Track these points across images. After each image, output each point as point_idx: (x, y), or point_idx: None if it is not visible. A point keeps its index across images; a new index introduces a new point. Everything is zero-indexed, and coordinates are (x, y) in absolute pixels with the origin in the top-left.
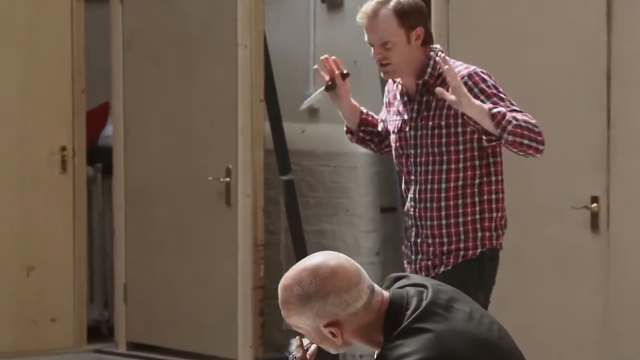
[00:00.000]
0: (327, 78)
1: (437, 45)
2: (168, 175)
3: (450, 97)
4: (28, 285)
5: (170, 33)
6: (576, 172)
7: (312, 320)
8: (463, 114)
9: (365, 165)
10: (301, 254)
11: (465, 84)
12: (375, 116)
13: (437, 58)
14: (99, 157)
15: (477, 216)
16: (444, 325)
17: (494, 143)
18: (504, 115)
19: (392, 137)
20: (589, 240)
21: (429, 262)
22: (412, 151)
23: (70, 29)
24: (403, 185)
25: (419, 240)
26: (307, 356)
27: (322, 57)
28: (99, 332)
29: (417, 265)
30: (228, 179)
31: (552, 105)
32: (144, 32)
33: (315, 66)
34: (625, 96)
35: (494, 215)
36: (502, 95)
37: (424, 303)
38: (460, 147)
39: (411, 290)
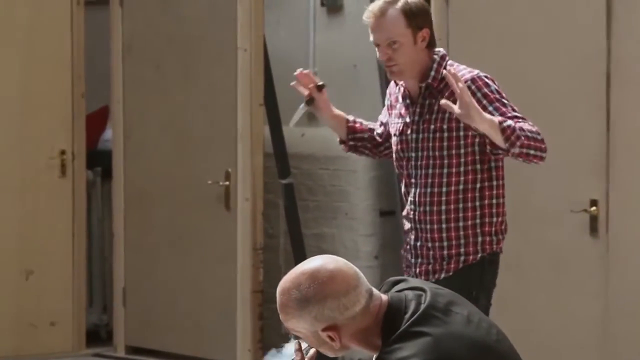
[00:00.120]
0: (306, 93)
1: (440, 49)
2: (167, 178)
3: (457, 110)
4: (27, 289)
5: (169, 37)
6: (575, 175)
7: (310, 324)
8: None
9: (365, 169)
10: (300, 257)
11: (469, 87)
12: (363, 122)
13: (445, 71)
14: (99, 160)
15: (478, 220)
16: (443, 329)
17: (500, 155)
18: (514, 129)
19: (393, 139)
20: (588, 243)
21: (429, 267)
22: (413, 154)
23: (70, 33)
24: (403, 189)
25: (418, 244)
26: None
27: (295, 73)
28: (98, 336)
29: (417, 269)
30: (227, 183)
31: (552, 107)
32: (144, 36)
33: (293, 83)
34: (625, 98)
35: (495, 220)
36: (505, 101)
37: (422, 307)
38: (462, 150)
39: (409, 294)
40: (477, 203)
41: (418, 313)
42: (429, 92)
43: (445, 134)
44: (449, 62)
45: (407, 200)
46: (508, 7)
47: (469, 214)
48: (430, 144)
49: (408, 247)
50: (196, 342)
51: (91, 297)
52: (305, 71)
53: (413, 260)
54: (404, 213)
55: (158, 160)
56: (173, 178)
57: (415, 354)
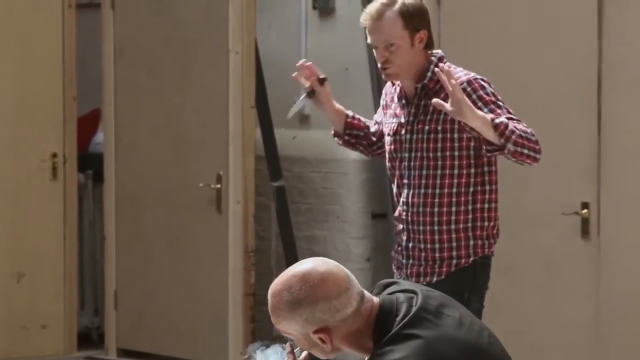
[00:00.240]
0: (307, 85)
1: (438, 50)
2: (159, 181)
3: (449, 107)
4: (18, 292)
5: (161, 40)
6: (567, 178)
7: (302, 326)
8: (460, 123)
9: (356, 171)
10: (292, 260)
11: (464, 90)
12: (362, 119)
13: (437, 69)
14: (90, 163)
15: (470, 224)
16: (434, 331)
17: (496, 153)
18: (507, 125)
19: (387, 139)
20: (579, 246)
21: (420, 268)
22: (407, 155)
23: (61, 35)
24: (394, 189)
25: (410, 245)
26: None
27: (298, 64)
28: (89, 338)
29: (408, 271)
30: (219, 186)
31: (543, 109)
32: (135, 39)
33: (294, 74)
34: (616, 100)
35: (486, 224)
36: (500, 103)
37: (414, 309)
38: (456, 153)
39: (401, 297)
40: (470, 207)
41: (409, 315)
42: (424, 93)
43: (440, 135)
44: (447, 64)
45: (398, 201)
46: (500, 8)
47: (461, 217)
48: (424, 145)
49: (399, 248)
50: (188, 344)
51: (83, 300)
52: (308, 63)
53: (404, 261)
54: (396, 214)
55: (149, 163)
56: (164, 181)
57: (406, 356)
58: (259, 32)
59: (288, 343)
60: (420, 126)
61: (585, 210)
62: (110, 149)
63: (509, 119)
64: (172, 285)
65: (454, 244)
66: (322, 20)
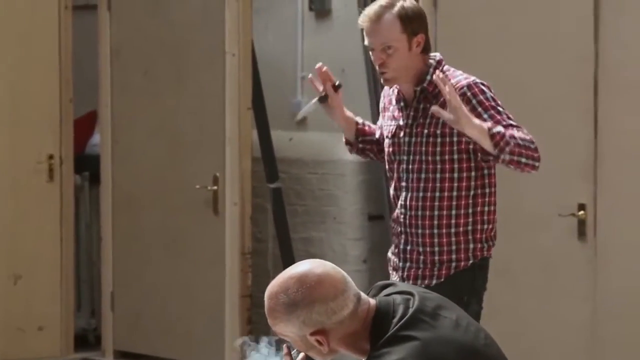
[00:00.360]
0: (321, 89)
1: (436, 54)
2: (155, 183)
3: (448, 115)
4: (15, 293)
5: (157, 41)
6: (563, 179)
7: (299, 328)
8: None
9: (353, 173)
10: (289, 261)
11: (464, 94)
12: (372, 125)
13: (435, 76)
14: (87, 165)
15: (470, 227)
16: (431, 333)
17: (491, 162)
18: (503, 135)
19: (386, 141)
20: (576, 247)
21: (419, 271)
22: (405, 157)
23: (58, 37)
24: (392, 192)
25: (408, 248)
26: None
27: (316, 67)
28: (86, 340)
29: (406, 274)
30: (215, 187)
31: (539, 112)
32: (132, 41)
33: (310, 75)
34: (613, 103)
35: (486, 227)
36: (500, 109)
37: (411, 311)
38: (455, 156)
39: (397, 298)
40: (470, 210)
41: (406, 317)
42: (424, 96)
43: (439, 139)
44: (445, 67)
45: (396, 203)
46: (496, 12)
47: (461, 220)
48: (424, 149)
49: (396, 250)
50: (184, 346)
51: (79, 302)
52: (324, 68)
53: (401, 264)
54: (393, 216)
55: (146, 164)
56: (161, 182)
57: (403, 357)
58: (255, 34)
59: (285, 345)
60: (419, 129)
61: (582, 212)
62: (107, 151)
63: (508, 125)
64: (168, 287)
65: (454, 247)
66: (319, 22)
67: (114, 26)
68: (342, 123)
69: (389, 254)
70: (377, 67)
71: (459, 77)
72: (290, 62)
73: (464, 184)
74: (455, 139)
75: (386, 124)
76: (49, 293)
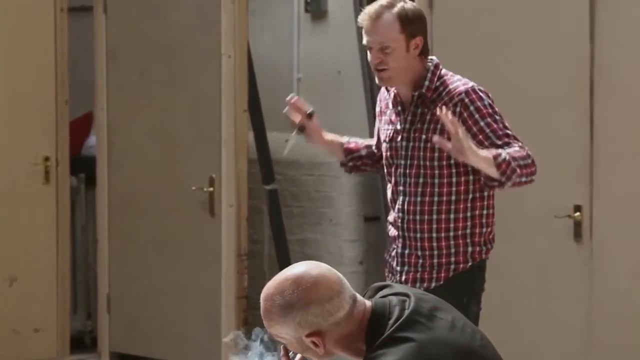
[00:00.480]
0: (297, 121)
1: (433, 57)
2: (151, 185)
3: (449, 146)
4: (11, 295)
5: (153, 43)
6: (559, 181)
7: (294, 330)
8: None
9: (349, 175)
10: (285, 263)
11: (462, 100)
12: (359, 141)
13: (438, 112)
14: (82, 167)
15: (468, 231)
16: (427, 334)
17: (495, 188)
18: (508, 163)
19: (383, 145)
20: (572, 249)
21: (417, 274)
22: (402, 162)
23: (53, 39)
24: (389, 195)
25: (406, 252)
26: None
27: (287, 99)
28: (82, 342)
29: (403, 277)
30: (212, 189)
31: (535, 114)
32: (128, 42)
33: (285, 110)
34: (608, 104)
35: (484, 230)
36: (497, 117)
37: (407, 312)
38: (453, 161)
39: (393, 300)
40: (469, 214)
41: (402, 318)
42: (421, 101)
43: (437, 145)
44: (443, 71)
45: (393, 207)
46: (492, 13)
47: (460, 224)
48: (422, 154)
49: (393, 253)
50: (180, 348)
51: (75, 304)
52: (295, 98)
53: (399, 268)
54: (390, 219)
55: (142, 166)
56: (157, 184)
57: (399, 359)
58: (251, 35)
59: (282, 346)
60: (417, 134)
61: (577, 213)
62: (103, 153)
63: (505, 134)
64: (165, 289)
65: (452, 250)
66: (315, 24)
67: (110, 28)
68: (326, 147)
69: (386, 257)
70: (373, 67)
71: (457, 83)
72: (286, 64)
73: (462, 187)
74: None
75: (383, 128)
76: (45, 295)
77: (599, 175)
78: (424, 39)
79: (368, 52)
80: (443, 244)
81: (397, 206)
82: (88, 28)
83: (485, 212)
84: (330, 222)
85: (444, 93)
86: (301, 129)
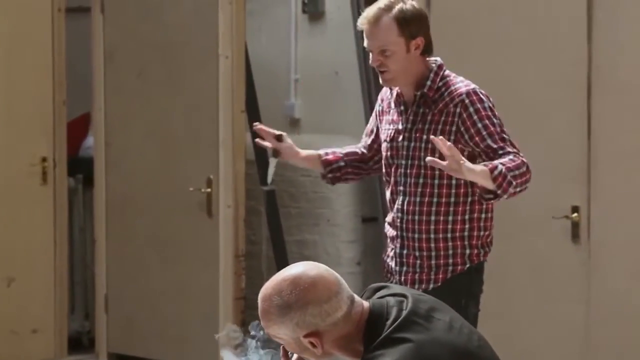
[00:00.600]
0: (270, 146)
1: (437, 58)
2: (149, 186)
3: (444, 164)
4: (8, 296)
5: (151, 44)
6: (557, 182)
7: (292, 330)
8: (455, 134)
9: None
10: (282, 264)
11: (462, 101)
12: (337, 151)
13: (432, 139)
14: (80, 168)
15: (466, 233)
16: (424, 335)
17: (492, 202)
18: (505, 176)
19: (383, 145)
20: (569, 250)
21: (416, 275)
22: (403, 162)
23: (51, 40)
24: (388, 195)
25: (404, 252)
26: None
27: (254, 127)
28: (80, 343)
29: (402, 277)
30: (209, 190)
31: (533, 115)
32: (125, 43)
33: (257, 140)
34: (606, 105)
35: (482, 233)
36: (495, 120)
37: (404, 313)
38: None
39: (391, 300)
40: (467, 216)
41: (400, 319)
42: (423, 101)
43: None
44: (446, 72)
45: (392, 207)
46: (489, 14)
47: (458, 226)
48: (422, 154)
49: (392, 254)
50: (178, 348)
51: (73, 304)
52: (259, 126)
53: (398, 268)
54: (389, 220)
55: (140, 167)
56: (155, 185)
57: None
58: (248, 36)
59: (282, 346)
60: (418, 134)
61: (575, 214)
62: (100, 153)
63: (501, 138)
64: (162, 289)
65: (450, 252)
66: (312, 24)
67: (108, 28)
68: (305, 163)
69: (384, 257)
70: (376, 69)
71: (460, 84)
72: (283, 65)
73: (462, 190)
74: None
75: (384, 128)
76: (43, 295)
77: (597, 176)
78: (426, 38)
79: (370, 54)
80: (441, 245)
81: (396, 206)
82: (85, 28)
83: (483, 215)
84: (328, 223)
85: (445, 93)
86: (275, 152)
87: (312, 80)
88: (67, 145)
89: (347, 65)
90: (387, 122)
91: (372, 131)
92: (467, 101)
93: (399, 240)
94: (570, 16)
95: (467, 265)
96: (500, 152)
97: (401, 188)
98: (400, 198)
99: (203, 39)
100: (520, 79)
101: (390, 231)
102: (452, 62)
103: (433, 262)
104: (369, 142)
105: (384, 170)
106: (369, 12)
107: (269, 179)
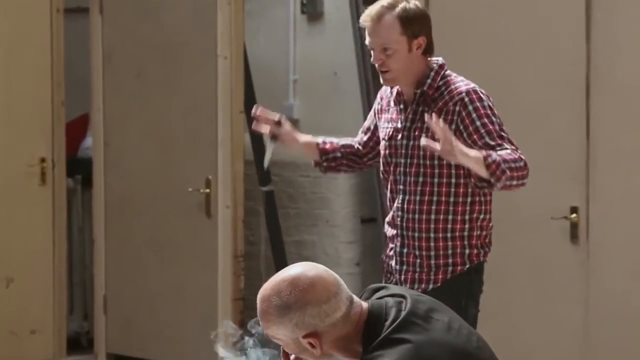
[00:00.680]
0: (268, 130)
1: (439, 58)
2: (148, 186)
3: (438, 148)
4: (7, 297)
5: (150, 44)
6: (555, 182)
7: (291, 331)
8: (455, 132)
9: (345, 176)
10: (281, 265)
11: (462, 99)
12: (335, 141)
13: (427, 118)
14: (79, 168)
15: (466, 233)
16: (423, 336)
17: (485, 190)
18: (499, 164)
19: (382, 143)
20: (568, 250)
21: (416, 275)
22: (402, 160)
23: (50, 40)
24: (388, 194)
25: (405, 251)
26: None
27: (252, 112)
28: (78, 343)
29: (402, 276)
30: (208, 190)
31: (532, 115)
32: (124, 44)
33: (254, 125)
34: (605, 105)
35: (482, 233)
36: (494, 119)
37: (403, 313)
38: (453, 162)
39: (390, 301)
40: (467, 216)
41: (398, 320)
42: (423, 99)
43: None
44: (447, 71)
45: (391, 206)
46: (488, 15)
47: (458, 225)
48: (422, 152)
49: (391, 253)
50: (177, 349)
51: (72, 305)
52: (259, 109)
53: (398, 267)
54: (388, 219)
55: (138, 167)
56: (153, 186)
57: None
58: (247, 37)
59: (282, 347)
60: (417, 133)
61: (574, 215)
62: (99, 154)
63: (499, 136)
64: (161, 290)
65: (450, 252)
66: (311, 25)
67: (106, 29)
68: (302, 149)
69: (383, 257)
70: (377, 67)
71: (460, 84)
72: (282, 65)
73: (462, 190)
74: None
75: (383, 126)
76: (42, 296)
77: (596, 177)
78: (427, 38)
79: (371, 52)
80: (440, 244)
81: (395, 204)
82: (84, 29)
83: (482, 215)
84: (327, 224)
85: (445, 92)
86: (274, 137)
87: (310, 81)
88: (66, 146)
89: (345, 66)
90: (385, 120)
91: (369, 129)
92: (466, 99)
93: (399, 239)
94: (568, 16)
95: (467, 266)
96: (498, 148)
97: (401, 187)
98: (400, 197)
99: (202, 39)
100: (518, 79)
101: (389, 230)
102: (450, 62)
103: (433, 262)
104: (364, 139)
105: (382, 168)
106: (372, 9)
107: (266, 163)
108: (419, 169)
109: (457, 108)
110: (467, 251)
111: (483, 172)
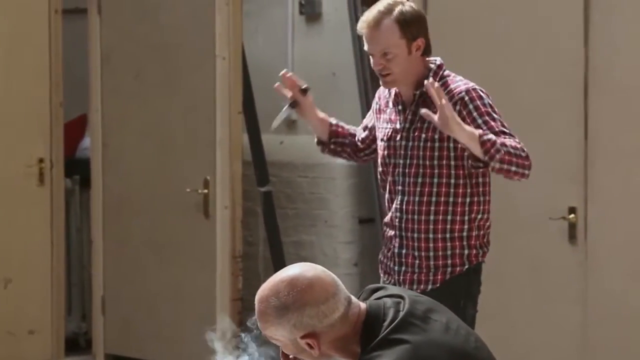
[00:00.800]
0: (289, 95)
1: (437, 58)
2: (146, 187)
3: (437, 120)
4: (5, 297)
5: (148, 45)
6: (554, 182)
7: (289, 331)
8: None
9: (344, 176)
10: (280, 265)
11: (462, 99)
12: (345, 126)
13: (426, 83)
14: (77, 169)
15: (465, 234)
16: (421, 336)
17: (481, 169)
18: (494, 143)
19: (380, 144)
20: (566, 250)
21: (414, 276)
22: (401, 161)
23: (48, 41)
24: (386, 195)
25: (403, 252)
26: None
27: (280, 74)
28: (76, 344)
29: (401, 277)
30: (206, 191)
31: (530, 115)
32: (122, 44)
33: (276, 84)
34: (603, 106)
35: (480, 233)
36: (495, 116)
37: (401, 314)
38: (452, 162)
39: (388, 301)
40: (466, 217)
41: (397, 320)
42: (422, 100)
43: (437, 144)
44: (446, 72)
45: (389, 207)
46: (486, 16)
47: (457, 226)
48: (421, 153)
49: (390, 254)
50: (175, 350)
51: (70, 305)
52: (289, 74)
53: (396, 268)
54: (387, 220)
55: (137, 168)
56: (151, 186)
57: None
58: (245, 38)
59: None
60: (416, 134)
61: (572, 215)
62: (97, 155)
63: (501, 132)
64: (159, 291)
65: (449, 252)
66: (309, 26)
67: (104, 30)
68: (316, 124)
69: (381, 257)
70: (377, 72)
71: (459, 83)
72: (280, 66)
73: (460, 190)
74: (452, 144)
75: (381, 127)
76: (40, 297)
77: (594, 177)
78: (426, 39)
79: (371, 57)
80: (439, 245)
81: (394, 205)
82: (82, 30)
83: (480, 216)
84: (325, 224)
85: (444, 92)
86: (294, 103)
87: (309, 82)
88: (64, 147)
89: (344, 67)
90: (384, 120)
91: (367, 127)
92: (466, 98)
93: (397, 239)
94: (567, 17)
95: (466, 267)
96: None
97: (400, 187)
98: (399, 197)
99: (200, 40)
100: (517, 80)
101: (388, 231)
102: (449, 62)
103: (432, 262)
104: (362, 135)
105: (380, 169)
106: (369, 16)
107: (275, 125)
108: (418, 169)
109: (458, 107)
110: (466, 252)
111: (477, 150)
